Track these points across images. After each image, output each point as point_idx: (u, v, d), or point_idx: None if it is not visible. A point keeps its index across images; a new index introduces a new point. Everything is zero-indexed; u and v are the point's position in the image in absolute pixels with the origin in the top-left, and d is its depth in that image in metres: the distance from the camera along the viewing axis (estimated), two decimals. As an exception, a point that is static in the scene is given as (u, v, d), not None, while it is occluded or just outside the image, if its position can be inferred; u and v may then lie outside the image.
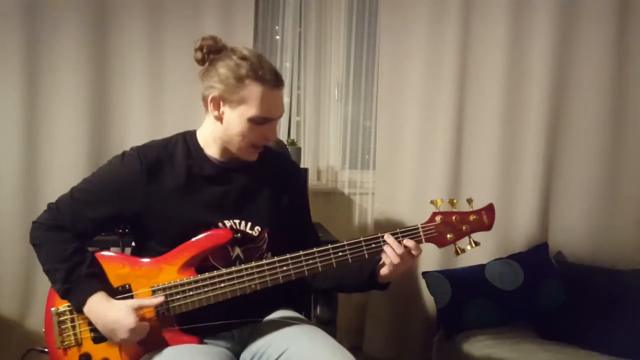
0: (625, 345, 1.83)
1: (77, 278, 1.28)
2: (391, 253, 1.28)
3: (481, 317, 2.07)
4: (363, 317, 2.54)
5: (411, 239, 1.30)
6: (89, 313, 1.27)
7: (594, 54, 2.36)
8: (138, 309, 1.24)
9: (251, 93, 1.27)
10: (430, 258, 2.38)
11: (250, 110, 1.28)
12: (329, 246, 1.29)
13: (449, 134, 2.38)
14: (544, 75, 2.35)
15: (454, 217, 1.33)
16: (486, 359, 1.82)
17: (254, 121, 1.29)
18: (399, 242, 1.29)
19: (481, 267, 2.19)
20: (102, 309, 1.25)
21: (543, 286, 2.14)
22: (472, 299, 2.09)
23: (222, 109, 1.31)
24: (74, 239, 1.32)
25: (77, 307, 1.28)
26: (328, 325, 1.58)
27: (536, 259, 2.23)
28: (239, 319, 1.35)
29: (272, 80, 1.28)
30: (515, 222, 2.40)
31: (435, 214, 1.33)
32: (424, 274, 2.20)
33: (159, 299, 1.27)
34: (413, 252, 1.29)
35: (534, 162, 2.38)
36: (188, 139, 1.40)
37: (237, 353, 1.37)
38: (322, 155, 2.67)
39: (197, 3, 2.32)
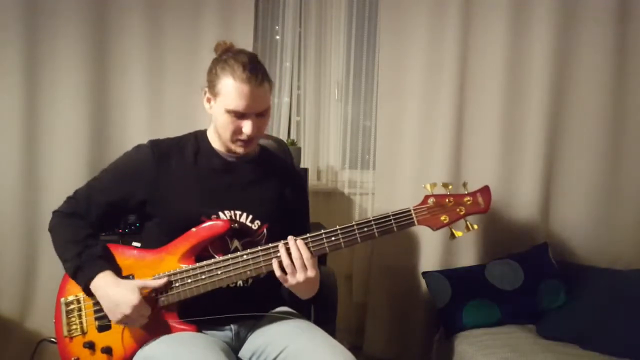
0: (625, 345, 1.83)
1: (89, 258, 1.33)
2: (284, 255, 1.29)
3: (481, 317, 2.07)
4: (363, 317, 2.53)
5: (403, 221, 1.32)
6: (95, 290, 1.31)
7: (594, 53, 2.36)
8: (142, 287, 1.30)
9: (223, 85, 1.34)
10: (431, 258, 2.36)
11: (225, 101, 1.34)
12: (322, 231, 1.32)
13: (449, 134, 2.38)
14: (544, 75, 2.35)
15: (447, 200, 1.36)
16: (486, 359, 1.82)
17: (230, 113, 1.34)
18: (297, 247, 1.29)
19: (481, 267, 2.19)
20: (107, 285, 1.30)
21: (543, 286, 2.14)
22: (472, 299, 2.09)
23: (211, 102, 1.40)
24: (88, 227, 1.40)
25: (85, 285, 1.32)
26: (328, 325, 1.59)
27: (536, 259, 2.23)
28: (238, 312, 1.37)
29: (242, 75, 1.32)
30: (516, 222, 2.40)
31: (427, 197, 1.36)
32: (424, 274, 2.20)
33: (163, 280, 1.31)
34: (305, 262, 1.28)
35: (534, 162, 2.38)
36: (199, 136, 1.48)
37: (235, 350, 1.38)
38: (322, 155, 2.67)
39: (197, 3, 2.32)
